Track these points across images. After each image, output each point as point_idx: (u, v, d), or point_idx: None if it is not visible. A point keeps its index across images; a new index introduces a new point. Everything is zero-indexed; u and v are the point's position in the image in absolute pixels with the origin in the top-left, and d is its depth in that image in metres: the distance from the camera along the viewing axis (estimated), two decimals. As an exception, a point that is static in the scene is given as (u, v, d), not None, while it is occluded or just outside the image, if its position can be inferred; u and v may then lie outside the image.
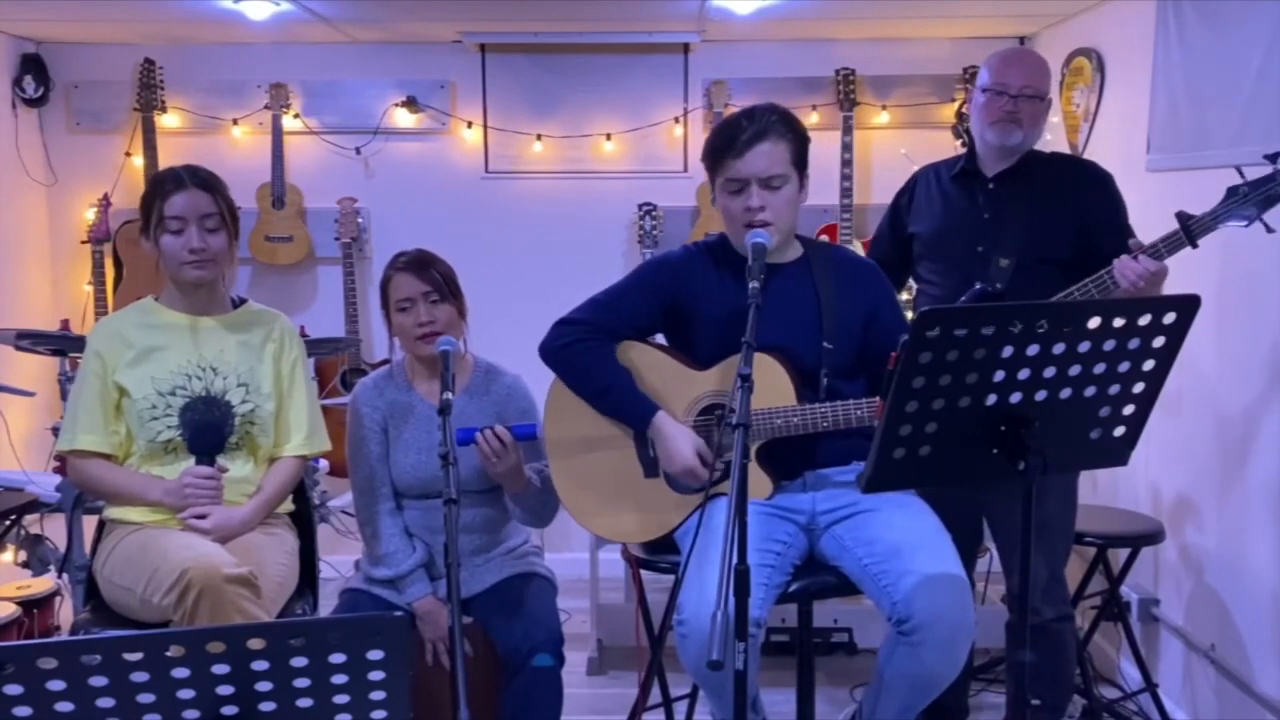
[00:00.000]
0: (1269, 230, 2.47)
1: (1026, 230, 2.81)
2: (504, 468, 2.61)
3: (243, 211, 2.75)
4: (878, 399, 2.29)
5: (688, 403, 2.53)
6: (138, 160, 4.70)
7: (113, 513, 2.64)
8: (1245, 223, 2.48)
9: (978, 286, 2.77)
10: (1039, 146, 2.95)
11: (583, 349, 2.54)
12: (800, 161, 2.47)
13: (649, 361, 2.56)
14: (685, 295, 2.55)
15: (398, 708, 1.50)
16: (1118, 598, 3.32)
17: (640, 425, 2.51)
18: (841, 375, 2.50)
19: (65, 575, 3.52)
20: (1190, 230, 2.51)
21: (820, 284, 2.53)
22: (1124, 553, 3.30)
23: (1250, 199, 2.46)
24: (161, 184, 2.61)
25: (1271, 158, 2.45)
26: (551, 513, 2.77)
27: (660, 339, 2.64)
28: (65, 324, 4.48)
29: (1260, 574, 2.94)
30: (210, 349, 2.64)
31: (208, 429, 2.59)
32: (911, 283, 3.15)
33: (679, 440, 2.45)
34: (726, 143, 2.43)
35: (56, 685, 1.37)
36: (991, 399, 1.91)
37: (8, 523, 3.66)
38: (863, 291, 2.56)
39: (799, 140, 2.47)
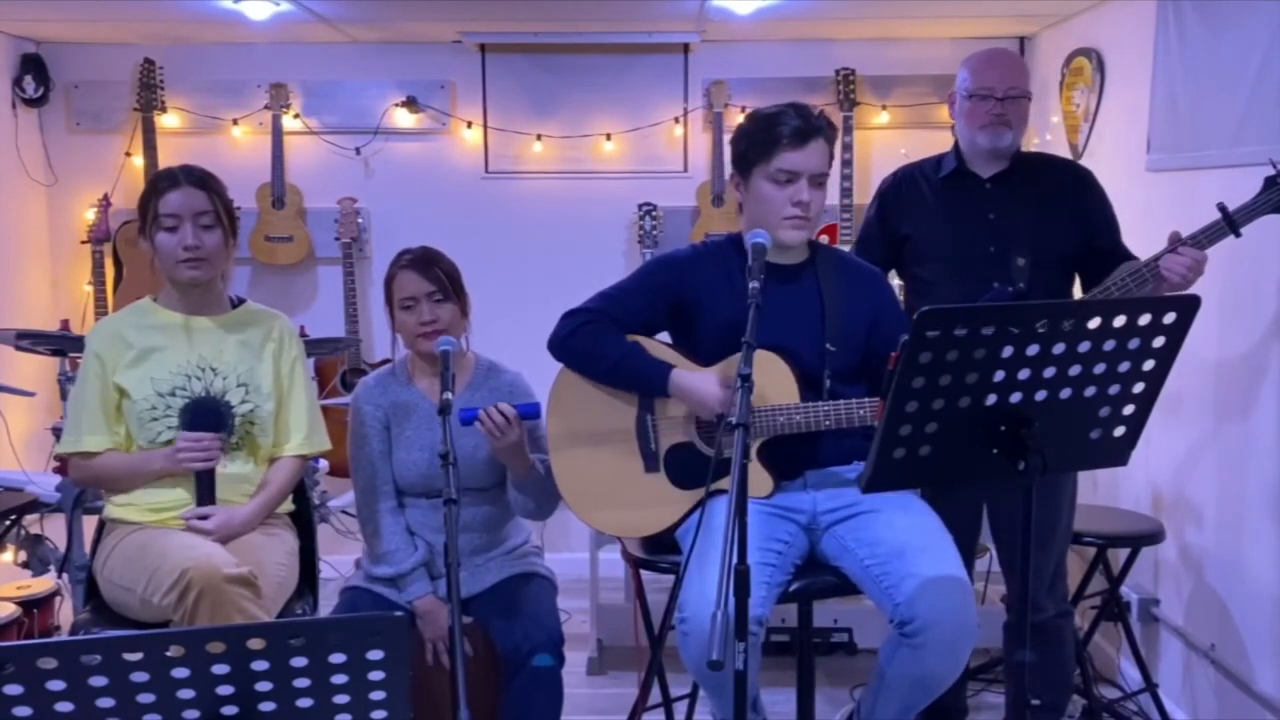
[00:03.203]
0: None
1: (1035, 229, 2.82)
2: (507, 443, 2.60)
3: (243, 211, 2.76)
4: (879, 399, 2.29)
5: (690, 400, 2.53)
6: (138, 160, 4.70)
7: (113, 512, 2.64)
8: None
9: (996, 286, 2.77)
10: (1031, 147, 2.96)
11: (590, 331, 2.55)
12: (832, 164, 2.53)
13: (654, 354, 2.56)
14: (690, 294, 2.56)
15: (398, 708, 1.50)
16: (1118, 598, 3.32)
17: (658, 387, 2.50)
18: (844, 379, 2.51)
19: (65, 575, 3.52)
20: (1232, 220, 2.54)
21: (825, 287, 2.53)
22: (1124, 553, 3.30)
23: None
24: (157, 183, 2.62)
25: None
26: (553, 504, 2.77)
27: (663, 338, 2.64)
28: (65, 324, 4.47)
29: (1260, 574, 2.95)
30: (209, 349, 2.64)
31: (204, 406, 2.57)
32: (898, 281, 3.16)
33: (703, 385, 2.45)
34: (779, 133, 2.43)
35: (56, 685, 1.37)
36: (991, 399, 1.91)
37: (8, 523, 3.66)
38: (867, 297, 2.57)
39: (835, 144, 2.53)
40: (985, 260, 2.84)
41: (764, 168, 2.45)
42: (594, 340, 2.54)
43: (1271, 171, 2.52)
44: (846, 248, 4.10)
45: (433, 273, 2.72)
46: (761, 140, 2.45)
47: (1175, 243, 2.58)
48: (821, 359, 2.48)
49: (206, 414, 2.57)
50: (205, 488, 2.57)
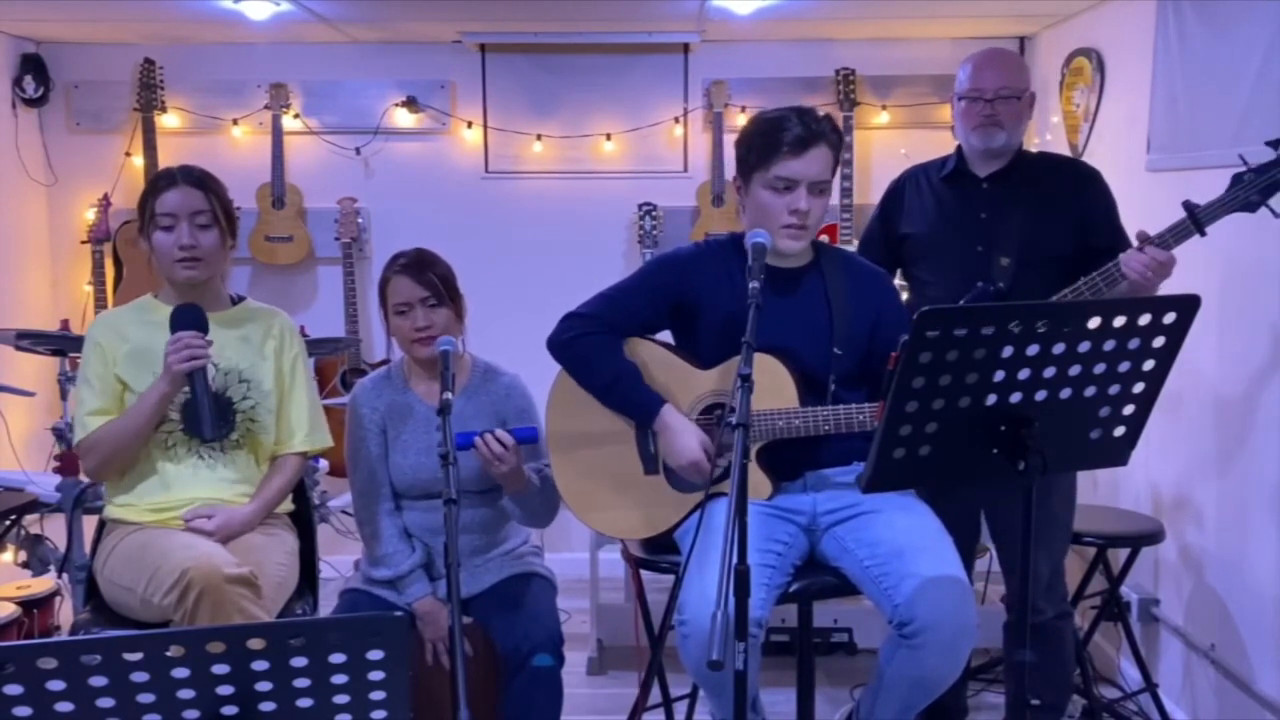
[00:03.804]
0: (1276, 215, 2.46)
1: (1025, 229, 2.81)
2: (505, 470, 2.61)
3: (243, 211, 2.76)
4: (879, 404, 2.28)
5: (689, 401, 2.53)
6: (138, 160, 4.70)
7: (113, 513, 2.64)
8: (1251, 210, 2.48)
9: (980, 286, 2.77)
10: (1031, 147, 2.95)
11: (590, 342, 2.54)
12: (834, 171, 2.51)
13: (653, 358, 2.57)
14: (691, 294, 2.55)
15: (398, 708, 1.50)
16: (1118, 598, 3.32)
17: (646, 419, 2.50)
18: (848, 383, 2.50)
19: (65, 575, 3.52)
20: (1197, 219, 2.51)
21: (832, 290, 2.52)
22: (1124, 553, 3.30)
23: (1255, 186, 2.46)
24: (155, 182, 2.63)
25: (1275, 144, 2.45)
26: (551, 513, 2.77)
27: (667, 336, 2.64)
28: (65, 324, 4.47)
29: (1260, 574, 2.94)
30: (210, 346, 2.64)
31: (184, 311, 2.55)
32: (902, 282, 3.16)
33: (684, 435, 2.45)
34: (779, 140, 2.41)
35: (56, 685, 1.37)
36: (991, 399, 1.91)
37: (8, 523, 3.66)
38: (872, 298, 2.56)
39: (840, 150, 2.50)
40: (973, 259, 2.84)
41: (763, 174, 2.44)
42: (594, 353, 2.53)
43: (1241, 168, 2.49)
44: (849, 248, 4.11)
45: (426, 278, 2.70)
46: (761, 146, 2.44)
47: (1141, 242, 2.57)
48: (828, 362, 2.47)
49: (187, 317, 2.54)
50: (201, 394, 2.50)
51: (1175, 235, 2.54)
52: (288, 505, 2.79)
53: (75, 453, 3.09)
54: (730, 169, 2.61)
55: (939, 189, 2.97)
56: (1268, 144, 2.47)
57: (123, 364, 2.61)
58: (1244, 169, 2.48)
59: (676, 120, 4.78)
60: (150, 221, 2.60)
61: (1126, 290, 2.59)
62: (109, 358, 2.61)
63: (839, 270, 2.56)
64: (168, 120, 4.73)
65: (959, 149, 2.96)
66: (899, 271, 3.12)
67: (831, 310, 2.51)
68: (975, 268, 2.83)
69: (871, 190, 4.71)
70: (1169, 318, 1.89)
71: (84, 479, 3.34)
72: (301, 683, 1.45)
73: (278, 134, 4.67)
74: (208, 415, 2.52)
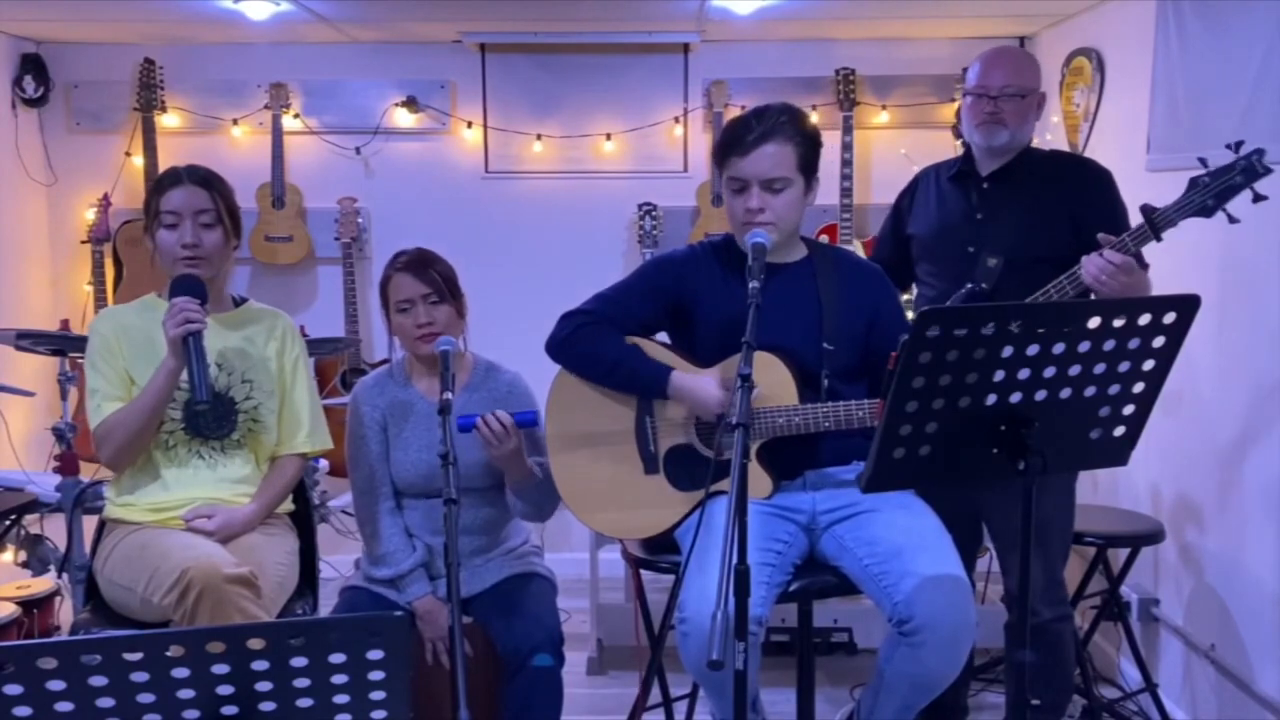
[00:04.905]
0: (1232, 221, 2.41)
1: (1018, 229, 2.80)
2: (505, 451, 2.61)
3: (243, 211, 2.76)
4: (879, 400, 2.29)
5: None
6: (138, 160, 4.70)
7: (113, 512, 2.64)
8: (1207, 215, 2.42)
9: (969, 287, 2.77)
10: (1042, 144, 2.94)
11: (588, 332, 2.55)
12: (807, 166, 2.46)
13: (656, 357, 2.56)
14: (688, 294, 2.56)
15: (398, 708, 1.50)
16: (1118, 598, 3.32)
17: (658, 389, 2.50)
18: (843, 377, 2.50)
19: (65, 575, 3.52)
20: (1154, 223, 2.47)
21: (822, 286, 2.53)
22: (1124, 553, 3.30)
23: (1210, 190, 2.40)
24: (161, 181, 2.65)
25: (1234, 147, 2.40)
26: (552, 506, 2.77)
27: (664, 338, 2.65)
28: (65, 324, 4.48)
29: (1260, 574, 2.95)
30: (212, 346, 2.64)
31: (183, 280, 2.54)
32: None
33: (703, 387, 2.45)
34: (733, 141, 2.44)
35: (56, 685, 1.37)
36: (991, 399, 1.91)
37: (8, 523, 3.66)
38: (865, 294, 2.56)
39: (807, 144, 2.46)
40: (965, 259, 2.84)
41: (724, 177, 2.48)
42: (593, 341, 2.54)
43: (1199, 171, 2.43)
44: (851, 248, 4.11)
45: (428, 275, 2.72)
46: (718, 149, 2.49)
47: (1103, 245, 2.54)
48: (819, 358, 2.48)
49: (184, 286, 2.54)
50: (195, 360, 2.47)
51: (1135, 239, 2.50)
52: (288, 505, 2.79)
53: (82, 447, 3.09)
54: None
55: (944, 188, 2.98)
56: (1227, 147, 2.41)
57: (129, 359, 2.61)
58: (1203, 171, 2.42)
59: (676, 120, 4.78)
60: (155, 219, 2.61)
61: (1091, 293, 2.57)
62: (116, 349, 2.61)
63: (830, 266, 2.57)
64: (168, 120, 4.73)
65: (967, 147, 2.96)
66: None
67: (821, 305, 2.51)
68: (967, 267, 2.82)
69: (871, 190, 4.71)
70: (1169, 318, 1.90)
71: (84, 479, 3.34)
72: (301, 683, 1.45)
73: (278, 134, 4.67)
74: (202, 380, 2.49)
